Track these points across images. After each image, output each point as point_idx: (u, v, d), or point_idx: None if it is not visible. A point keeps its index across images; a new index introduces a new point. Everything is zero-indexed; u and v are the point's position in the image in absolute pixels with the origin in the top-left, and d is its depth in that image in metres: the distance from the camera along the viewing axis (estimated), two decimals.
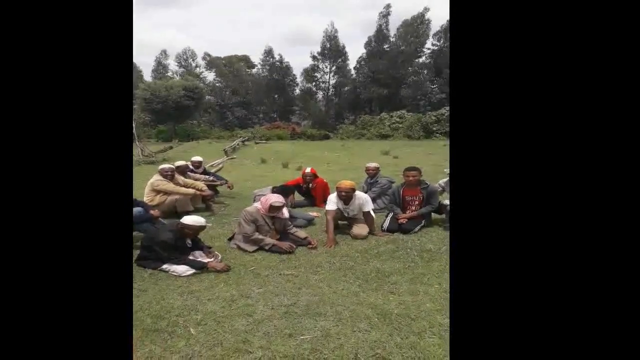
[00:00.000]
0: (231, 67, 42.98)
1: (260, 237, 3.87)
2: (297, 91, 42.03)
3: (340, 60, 38.68)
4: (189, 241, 3.51)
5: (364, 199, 4.40)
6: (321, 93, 40.97)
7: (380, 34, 37.06)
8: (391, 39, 37.05)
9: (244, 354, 2.12)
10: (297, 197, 6.13)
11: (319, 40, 45.39)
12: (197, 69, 43.24)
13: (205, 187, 5.62)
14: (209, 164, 10.56)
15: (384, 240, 4.21)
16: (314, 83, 40.09)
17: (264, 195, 4.41)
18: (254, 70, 44.37)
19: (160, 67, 42.45)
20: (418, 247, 3.96)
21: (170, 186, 5.19)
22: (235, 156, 15.89)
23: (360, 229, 4.36)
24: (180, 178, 5.56)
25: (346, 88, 39.31)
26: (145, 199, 5.00)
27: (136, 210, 4.09)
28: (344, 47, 38.36)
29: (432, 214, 4.77)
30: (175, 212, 5.08)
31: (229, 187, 6.57)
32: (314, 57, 38.95)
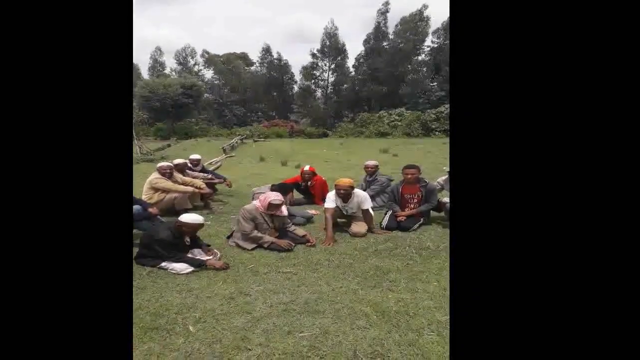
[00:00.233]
0: (229, 64, 42.89)
1: (259, 235, 3.87)
2: (296, 89, 41.96)
3: (339, 58, 38.61)
4: (187, 239, 3.51)
5: (362, 197, 4.40)
6: (320, 91, 40.95)
7: (379, 32, 37.01)
8: (390, 37, 37.00)
9: (243, 351, 2.13)
10: (296, 195, 6.13)
11: (318, 38, 45.29)
12: (196, 66, 43.12)
13: (203, 185, 5.62)
14: (207, 162, 10.55)
15: (383, 238, 4.21)
16: (312, 81, 40.03)
17: (262, 193, 4.40)
18: (253, 68, 44.29)
19: (157, 65, 42.32)
20: (417, 244, 3.97)
21: (168, 184, 5.18)
22: (233, 154, 15.88)
23: (359, 226, 4.36)
24: (178, 176, 5.56)
25: (345, 86, 39.25)
26: (144, 197, 5.00)
27: (135, 208, 4.09)
28: (343, 45, 38.34)
29: (431, 211, 4.77)
30: (174, 210, 5.07)
31: (227, 185, 6.57)
32: (313, 55, 38.91)
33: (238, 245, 3.93)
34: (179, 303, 2.70)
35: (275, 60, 40.66)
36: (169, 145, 19.31)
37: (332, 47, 38.07)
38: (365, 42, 37.85)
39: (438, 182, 5.20)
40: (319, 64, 39.50)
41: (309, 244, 3.97)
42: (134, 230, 4.13)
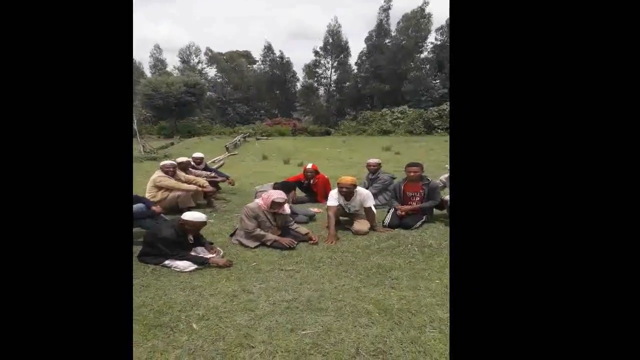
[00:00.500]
0: (232, 62, 42.87)
1: (262, 233, 3.88)
2: (298, 87, 41.89)
3: (342, 55, 38.49)
4: (191, 237, 3.53)
5: (365, 195, 4.40)
6: (323, 89, 40.84)
7: (381, 29, 36.85)
8: (392, 34, 36.84)
9: (246, 349, 2.14)
10: (299, 193, 6.15)
11: (320, 35, 45.11)
12: (200, 64, 43.09)
13: (206, 184, 5.64)
14: (210, 161, 10.57)
15: (385, 236, 4.22)
16: (315, 79, 39.95)
17: (265, 191, 4.42)
18: (255, 66, 44.25)
19: (158, 63, 42.35)
20: (419, 242, 3.98)
21: (172, 182, 5.20)
22: (236, 152, 15.89)
23: (362, 224, 4.37)
24: (182, 174, 5.57)
25: (347, 84, 39.14)
26: (147, 195, 5.02)
27: (138, 206, 4.11)
28: (346, 42, 38.19)
29: (434, 209, 4.77)
30: (177, 209, 5.09)
31: (230, 183, 6.58)
32: (316, 53, 38.83)
33: (241, 243, 3.95)
34: (183, 300, 2.72)
35: (278, 58, 40.59)
36: (172, 144, 19.35)
37: (334, 45, 37.93)
38: (368, 39, 37.69)
39: (440, 180, 5.20)
40: (322, 62, 39.40)
41: (312, 242, 3.98)
42: (138, 229, 4.15)
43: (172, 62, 43.55)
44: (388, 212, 4.72)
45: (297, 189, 6.09)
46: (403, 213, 4.54)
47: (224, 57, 43.76)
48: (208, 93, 36.87)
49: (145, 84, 28.60)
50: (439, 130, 25.43)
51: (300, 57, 70.57)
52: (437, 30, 35.76)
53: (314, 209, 5.43)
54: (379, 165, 5.87)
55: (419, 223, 4.52)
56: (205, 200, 5.72)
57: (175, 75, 34.33)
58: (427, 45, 36.29)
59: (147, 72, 40.93)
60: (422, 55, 36.51)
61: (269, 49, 40.66)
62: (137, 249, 3.60)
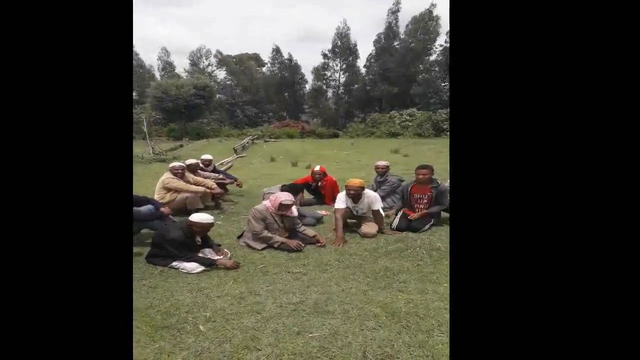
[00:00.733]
0: (242, 65, 43.09)
1: (269, 235, 3.88)
2: (308, 88, 41.96)
3: (350, 58, 38.51)
4: (198, 239, 3.54)
5: (373, 198, 4.38)
6: (331, 91, 40.90)
7: (390, 31, 36.80)
8: (401, 36, 36.77)
9: (253, 351, 2.13)
10: (306, 195, 6.15)
11: (328, 38, 45.20)
12: (210, 67, 43.38)
13: (215, 185, 5.67)
14: (219, 163, 10.62)
15: (393, 239, 4.19)
16: (324, 81, 40.00)
17: (273, 193, 4.42)
18: (264, 69, 44.45)
19: (167, 65, 42.72)
20: (427, 245, 3.94)
21: (180, 184, 5.24)
22: (244, 154, 15.96)
23: (369, 227, 4.35)
24: (190, 176, 5.61)
25: (356, 86, 39.12)
26: (156, 197, 5.06)
27: (147, 207, 4.14)
28: (355, 45, 38.21)
29: (442, 212, 4.74)
30: (185, 210, 5.12)
31: (238, 185, 6.60)
32: (324, 55, 38.88)
33: (248, 245, 3.95)
34: (190, 302, 2.72)
35: (286, 61, 40.73)
36: (181, 146, 19.48)
37: (343, 47, 37.97)
38: (376, 42, 37.68)
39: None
40: (330, 64, 39.46)
41: (319, 244, 3.97)
42: (146, 230, 4.18)
43: (183, 64, 44.02)
44: (396, 214, 4.70)
45: (305, 191, 6.08)
46: (415, 217, 4.52)
47: (234, 60, 44.02)
48: (217, 95, 37.06)
49: (155, 87, 28.87)
50: (448, 133, 25.26)
51: (308, 59, 70.90)
52: (446, 33, 35.61)
53: (321, 211, 5.43)
54: (387, 167, 5.84)
55: (427, 226, 4.48)
56: (213, 202, 5.75)
57: (184, 77, 34.61)
58: (436, 48, 36.20)
59: (157, 75, 41.37)
60: (432, 58, 36.39)
61: (277, 51, 40.87)
62: (145, 250, 3.62)
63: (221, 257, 3.55)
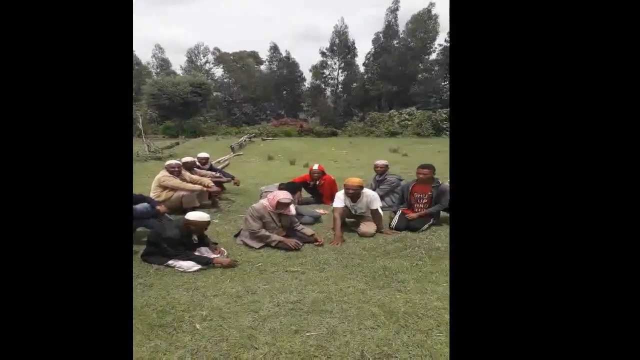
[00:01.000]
0: (240, 62, 42.98)
1: (267, 233, 3.86)
2: (306, 86, 41.88)
3: (349, 56, 38.47)
4: (195, 237, 3.51)
5: (372, 197, 4.36)
6: (329, 90, 40.83)
7: (389, 30, 36.75)
8: (400, 35, 36.73)
9: (250, 350, 2.11)
10: (304, 194, 6.12)
11: (327, 36, 45.21)
12: (207, 64, 43.26)
13: (211, 184, 5.63)
14: (215, 161, 10.59)
15: (392, 238, 4.18)
16: (322, 79, 39.94)
17: (271, 192, 4.39)
18: (263, 67, 44.36)
19: (163, 63, 42.59)
20: (426, 245, 3.93)
21: (176, 182, 5.20)
22: (241, 153, 15.92)
23: (368, 226, 4.33)
24: (187, 174, 5.57)
25: (355, 85, 39.07)
26: (152, 195, 5.02)
27: (142, 206, 4.10)
28: (353, 43, 38.13)
29: (441, 212, 4.72)
30: (182, 208, 5.09)
31: (235, 183, 6.57)
32: (322, 54, 38.81)
33: (245, 244, 3.92)
34: (186, 301, 2.69)
35: (285, 59, 40.65)
36: (177, 144, 19.41)
37: (341, 46, 37.91)
38: (375, 40, 37.63)
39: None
40: (329, 63, 39.39)
41: (317, 243, 3.95)
42: (142, 228, 4.14)
43: (180, 62, 43.91)
44: (395, 214, 4.68)
45: (303, 189, 6.05)
46: (414, 216, 4.51)
47: (232, 57, 43.91)
48: (214, 93, 36.93)
49: (151, 84, 28.72)
50: (448, 132, 25.28)
51: (307, 58, 70.84)
52: (447, 32, 35.62)
53: (319, 210, 5.41)
54: (386, 167, 5.82)
55: (427, 226, 4.47)
56: (209, 200, 5.71)
57: (180, 75, 34.47)
58: (435, 47, 36.19)
59: (153, 73, 41.25)
60: (432, 57, 36.39)
61: (275, 49, 40.78)
62: (141, 249, 3.59)
63: (218, 255, 3.52)
